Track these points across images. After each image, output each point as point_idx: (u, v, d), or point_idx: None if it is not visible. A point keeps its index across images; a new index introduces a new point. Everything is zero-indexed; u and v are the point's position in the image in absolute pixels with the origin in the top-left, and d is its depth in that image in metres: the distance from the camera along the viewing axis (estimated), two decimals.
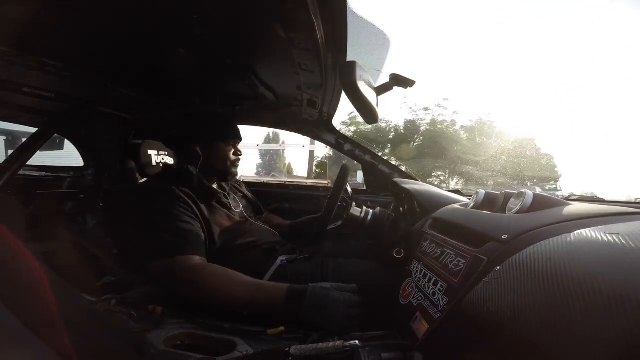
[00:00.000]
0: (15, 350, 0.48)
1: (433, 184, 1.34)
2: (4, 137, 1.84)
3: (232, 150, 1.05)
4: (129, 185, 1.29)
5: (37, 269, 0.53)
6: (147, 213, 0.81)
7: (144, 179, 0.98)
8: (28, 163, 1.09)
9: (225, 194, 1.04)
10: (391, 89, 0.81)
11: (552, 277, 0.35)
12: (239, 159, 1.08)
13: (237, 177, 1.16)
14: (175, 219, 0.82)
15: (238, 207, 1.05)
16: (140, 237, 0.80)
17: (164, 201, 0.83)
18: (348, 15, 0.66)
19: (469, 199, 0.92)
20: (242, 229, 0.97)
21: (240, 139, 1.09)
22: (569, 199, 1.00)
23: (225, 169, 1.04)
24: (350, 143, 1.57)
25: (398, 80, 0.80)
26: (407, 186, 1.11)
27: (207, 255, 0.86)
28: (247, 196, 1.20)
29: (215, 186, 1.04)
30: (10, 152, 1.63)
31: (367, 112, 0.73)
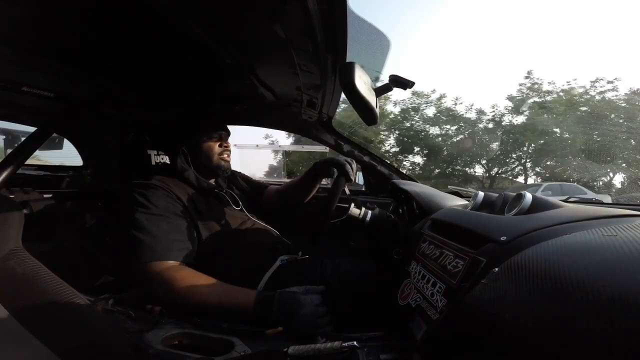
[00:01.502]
0: (15, 349, 0.48)
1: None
2: (3, 137, 1.84)
3: (218, 143, 1.03)
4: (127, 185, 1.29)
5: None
6: (132, 213, 0.81)
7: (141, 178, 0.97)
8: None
9: (224, 191, 1.04)
10: (391, 89, 0.81)
11: (551, 279, 0.35)
12: (227, 152, 1.05)
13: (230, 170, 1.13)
14: (157, 220, 0.81)
15: (238, 204, 1.04)
16: (125, 238, 0.79)
17: (150, 200, 0.83)
18: (348, 16, 0.66)
19: (468, 201, 0.92)
20: (244, 228, 0.97)
21: (225, 130, 1.06)
22: (567, 200, 1.00)
23: (213, 165, 1.02)
24: (350, 144, 1.57)
25: (397, 82, 0.80)
26: (406, 187, 1.11)
27: (207, 255, 0.85)
28: (246, 190, 1.19)
29: (212, 183, 1.04)
30: (9, 151, 1.63)
31: (367, 113, 0.73)
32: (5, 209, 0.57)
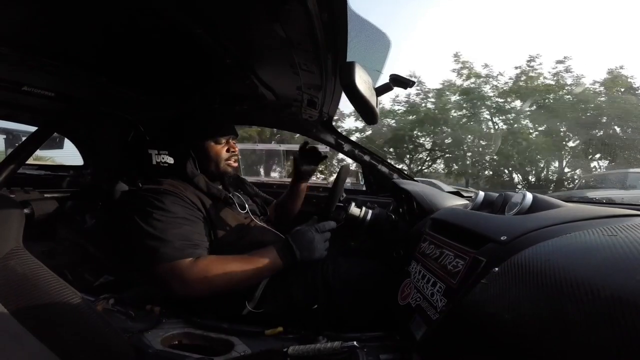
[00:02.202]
0: (15, 349, 0.48)
1: None
2: (4, 136, 1.85)
3: (225, 148, 1.00)
4: (127, 185, 1.29)
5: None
6: (148, 217, 0.79)
7: (150, 180, 0.97)
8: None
9: (231, 194, 1.04)
10: (391, 89, 0.81)
11: (551, 279, 0.35)
12: (235, 156, 1.03)
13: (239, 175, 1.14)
14: (175, 223, 0.80)
15: (244, 207, 1.04)
16: (145, 239, 0.77)
17: (170, 203, 0.82)
18: (348, 16, 0.66)
19: (468, 200, 0.92)
20: (247, 229, 0.97)
21: (233, 134, 1.03)
22: (568, 200, 1.00)
23: (219, 170, 1.00)
24: (350, 143, 1.57)
25: (398, 81, 0.80)
26: (406, 187, 1.10)
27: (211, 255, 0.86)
28: (252, 195, 1.20)
29: (220, 186, 1.03)
30: (10, 150, 1.64)
31: (367, 112, 0.73)
32: (5, 209, 0.58)
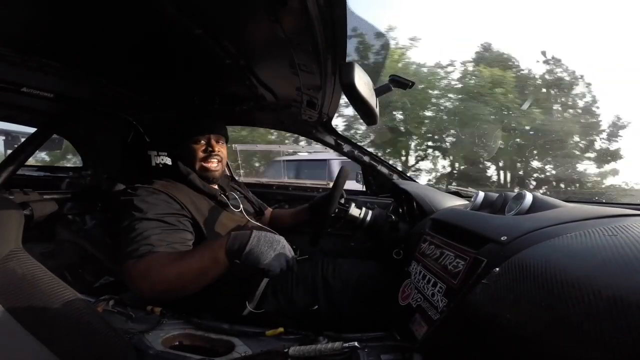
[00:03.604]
0: (15, 350, 0.48)
1: None
2: (3, 137, 1.85)
3: (202, 148, 0.99)
4: (127, 185, 1.29)
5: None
6: (128, 215, 0.79)
7: (144, 180, 0.97)
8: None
9: (226, 194, 1.04)
10: (391, 90, 0.81)
11: (551, 279, 0.35)
12: (214, 157, 1.00)
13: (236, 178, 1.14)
14: (150, 223, 0.78)
15: (238, 207, 1.04)
16: (120, 238, 0.78)
17: (150, 202, 0.82)
18: (348, 16, 0.66)
19: (468, 201, 0.92)
20: (242, 229, 0.97)
21: (212, 132, 1.01)
22: (567, 200, 1.00)
23: (198, 170, 0.98)
24: (350, 144, 1.57)
25: (397, 82, 0.80)
26: (406, 187, 1.11)
27: None
28: (247, 197, 1.20)
29: (215, 186, 1.04)
30: (9, 152, 1.63)
31: (367, 113, 0.73)
32: (5, 210, 0.57)
